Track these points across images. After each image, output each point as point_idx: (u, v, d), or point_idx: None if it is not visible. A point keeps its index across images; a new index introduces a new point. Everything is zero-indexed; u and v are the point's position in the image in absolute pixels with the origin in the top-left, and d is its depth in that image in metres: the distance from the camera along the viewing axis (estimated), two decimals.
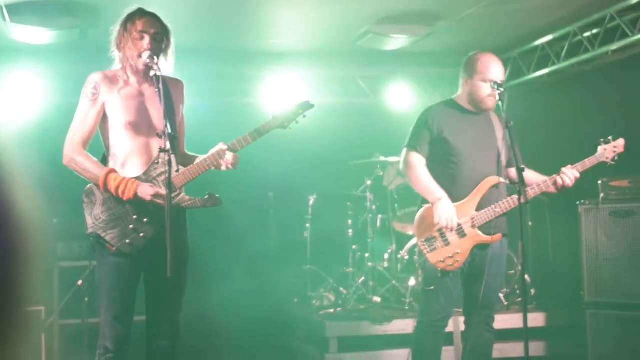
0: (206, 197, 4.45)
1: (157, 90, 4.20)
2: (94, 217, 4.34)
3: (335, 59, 9.03)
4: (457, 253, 5.01)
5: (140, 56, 4.38)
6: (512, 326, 6.58)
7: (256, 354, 7.49)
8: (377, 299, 7.63)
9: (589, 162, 5.06)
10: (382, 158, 7.95)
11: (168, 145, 4.02)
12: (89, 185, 4.38)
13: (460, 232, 5.01)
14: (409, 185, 7.83)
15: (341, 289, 7.94)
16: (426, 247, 5.05)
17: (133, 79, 4.49)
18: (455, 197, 5.03)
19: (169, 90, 4.61)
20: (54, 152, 8.42)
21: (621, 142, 5.10)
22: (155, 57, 4.32)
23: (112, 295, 4.34)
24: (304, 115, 4.57)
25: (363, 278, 7.78)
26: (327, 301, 7.99)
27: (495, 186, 5.07)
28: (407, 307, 7.40)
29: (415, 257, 7.34)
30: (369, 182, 8.00)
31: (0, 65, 8.08)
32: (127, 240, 4.30)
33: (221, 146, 4.42)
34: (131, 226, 4.31)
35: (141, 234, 4.32)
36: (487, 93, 5.08)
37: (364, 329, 7.05)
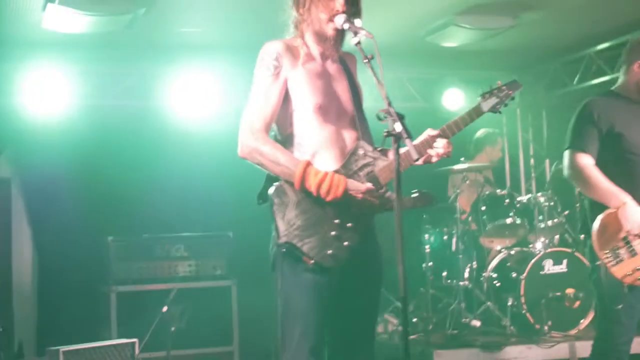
0: (415, 195, 3.56)
1: (365, 61, 3.30)
2: (287, 222, 3.37)
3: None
4: None
5: (331, 20, 3.46)
6: None
7: None
8: (477, 323, 6.75)
9: None
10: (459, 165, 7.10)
11: (398, 127, 3.10)
12: (278, 183, 3.42)
13: None
14: (496, 195, 7.28)
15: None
16: (611, 259, 4.24)
17: (315, 51, 3.58)
18: (637, 198, 4.29)
19: (349, 67, 3.73)
20: (82, 160, 7.58)
21: None
22: (353, 21, 3.42)
23: (309, 321, 3.39)
24: (513, 97, 3.76)
25: (457, 301, 6.91)
26: (392, 325, 7.17)
27: None
28: (508, 332, 6.58)
29: (523, 276, 6.61)
30: (458, 191, 7.13)
31: (29, 60, 7.06)
32: (329, 251, 3.36)
33: (429, 132, 3.55)
34: (333, 233, 3.38)
35: (345, 242, 3.39)
36: None
37: (475, 357, 6.21)
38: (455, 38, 7.40)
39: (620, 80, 4.63)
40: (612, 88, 4.66)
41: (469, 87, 8.99)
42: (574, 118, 4.56)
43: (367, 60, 3.29)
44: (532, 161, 9.54)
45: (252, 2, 6.26)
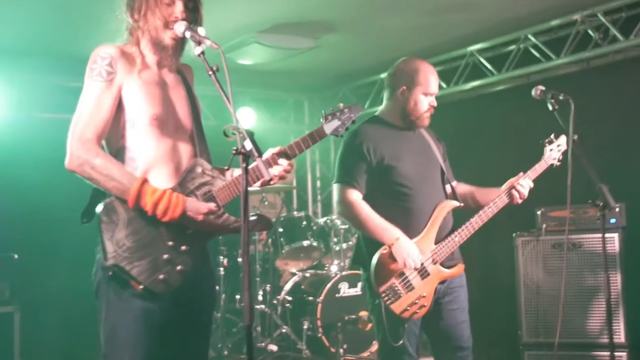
0: (254, 218, 3.35)
1: (209, 73, 3.05)
2: (115, 242, 3.04)
3: None
4: (423, 297, 4.17)
5: (168, 27, 3.21)
6: None
7: None
8: (274, 348, 6.61)
9: (539, 168, 4.43)
10: None
11: (248, 145, 2.89)
12: (108, 199, 3.08)
13: (423, 273, 4.18)
14: (293, 217, 7.18)
15: None
16: (389, 297, 4.11)
17: (151, 59, 3.29)
18: (412, 231, 4.20)
19: (186, 78, 3.48)
20: None
21: (563, 139, 4.51)
22: (196, 30, 3.17)
23: (138, 354, 3.06)
24: (354, 120, 3.61)
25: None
26: None
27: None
28: (304, 356, 6.49)
29: (320, 299, 6.55)
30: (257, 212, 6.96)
31: None
32: (160, 276, 3.08)
33: (271, 150, 3.35)
34: (165, 256, 3.10)
35: (178, 267, 3.12)
36: (426, 109, 4.33)
37: None
38: (255, 56, 7.28)
39: (383, 105, 4.46)
40: (377, 113, 4.47)
41: (259, 106, 8.93)
42: (342, 148, 4.38)
43: (211, 72, 3.04)
44: (318, 183, 9.59)
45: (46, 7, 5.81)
